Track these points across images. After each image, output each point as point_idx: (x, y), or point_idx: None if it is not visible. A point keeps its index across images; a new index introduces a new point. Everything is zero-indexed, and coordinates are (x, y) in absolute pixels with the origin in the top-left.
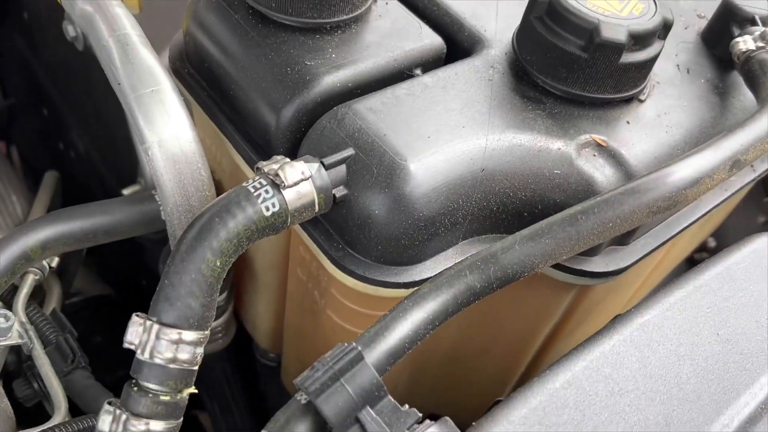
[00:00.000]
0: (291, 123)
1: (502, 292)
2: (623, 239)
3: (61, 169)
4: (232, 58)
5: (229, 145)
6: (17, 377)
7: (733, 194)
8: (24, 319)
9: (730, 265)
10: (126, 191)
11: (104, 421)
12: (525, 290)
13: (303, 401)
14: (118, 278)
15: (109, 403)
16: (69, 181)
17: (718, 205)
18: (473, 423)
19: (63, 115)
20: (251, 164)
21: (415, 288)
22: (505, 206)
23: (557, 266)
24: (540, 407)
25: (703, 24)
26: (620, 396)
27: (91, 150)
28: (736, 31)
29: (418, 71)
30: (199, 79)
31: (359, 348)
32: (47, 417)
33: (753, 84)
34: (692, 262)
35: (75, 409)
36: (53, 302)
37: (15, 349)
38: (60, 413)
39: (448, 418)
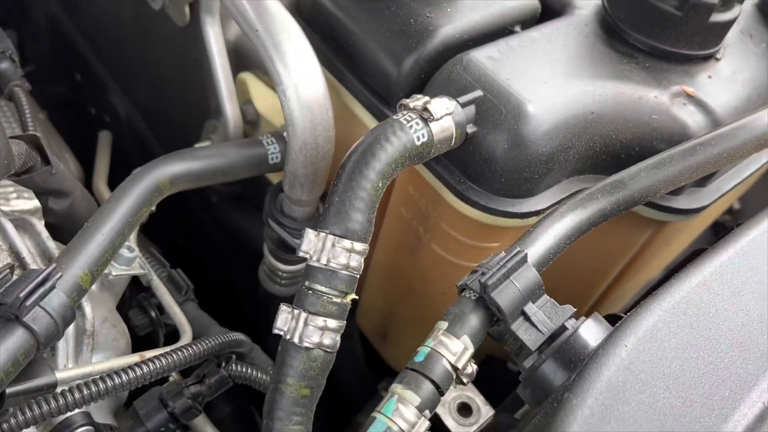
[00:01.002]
0: (413, 70)
1: None
2: (701, 182)
3: (91, 134)
4: (351, 12)
5: (346, 93)
6: (129, 309)
7: None
8: (139, 253)
9: None
10: (198, 146)
11: (283, 319)
12: (609, 224)
13: (473, 297)
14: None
15: (284, 304)
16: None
17: None
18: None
19: (101, 79)
20: (370, 109)
21: (548, 210)
22: (607, 147)
23: (647, 203)
24: (683, 301)
25: None
26: (740, 297)
27: (133, 114)
28: None
29: (518, 28)
30: (312, 32)
31: (525, 251)
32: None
33: None
34: (718, 225)
35: None
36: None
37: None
38: (187, 335)
39: (597, 313)
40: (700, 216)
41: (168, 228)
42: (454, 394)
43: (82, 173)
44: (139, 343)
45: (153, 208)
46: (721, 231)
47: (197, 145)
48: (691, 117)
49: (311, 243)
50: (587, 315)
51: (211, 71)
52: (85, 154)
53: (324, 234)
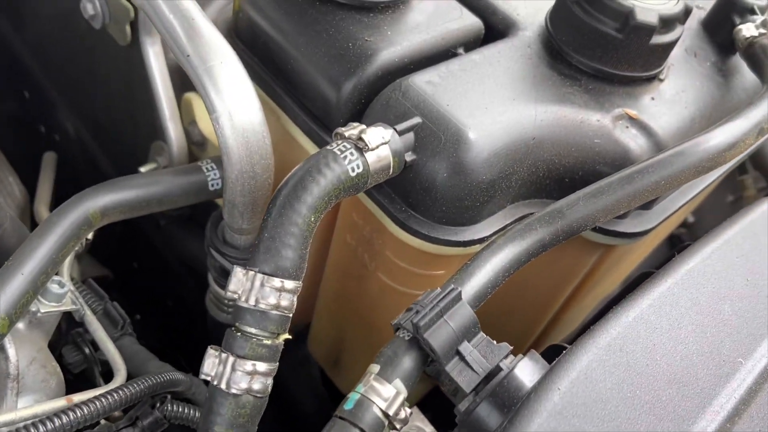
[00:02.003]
0: (352, 95)
1: None
2: (647, 204)
3: (40, 153)
4: (290, 36)
5: (285, 118)
6: (63, 345)
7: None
8: (71, 287)
9: (747, 224)
10: (143, 169)
11: (209, 364)
12: (555, 251)
13: (406, 338)
14: (112, 263)
15: (211, 348)
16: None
17: (719, 176)
18: (564, 352)
19: (49, 97)
20: (310, 135)
21: (488, 241)
22: (550, 172)
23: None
24: (619, 338)
25: (702, 14)
26: (679, 329)
27: (83, 133)
28: (737, 20)
29: (461, 50)
30: (251, 55)
31: (459, 288)
32: (92, 384)
33: (756, 66)
34: (673, 238)
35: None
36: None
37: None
38: (120, 375)
39: (534, 351)
40: (648, 236)
41: (122, 250)
42: (405, 428)
43: (26, 196)
44: (75, 380)
45: (90, 237)
46: (677, 243)
47: (142, 168)
48: (633, 140)
49: (240, 282)
50: (537, 342)
51: (153, 92)
52: (35, 175)
53: (253, 273)
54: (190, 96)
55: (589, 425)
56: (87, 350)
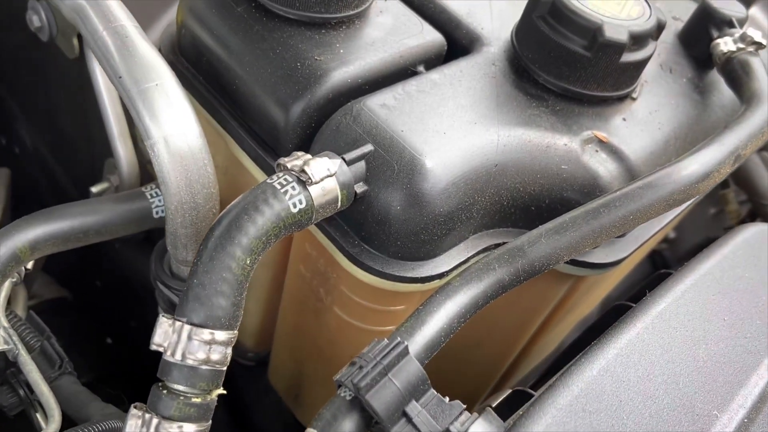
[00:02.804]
0: (301, 119)
1: None
2: None
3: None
4: (234, 53)
5: (232, 142)
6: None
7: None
8: (6, 324)
9: (727, 255)
10: (95, 188)
11: (132, 425)
12: (524, 283)
13: (348, 397)
14: (72, 280)
15: (135, 407)
16: (13, 179)
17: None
18: (519, 411)
19: (7, 108)
20: (257, 161)
21: (442, 281)
22: (514, 200)
23: None
24: (582, 395)
25: (678, 26)
26: (649, 381)
27: (40, 146)
28: (715, 33)
29: (421, 68)
30: (195, 73)
31: (405, 342)
32: (29, 426)
33: (735, 83)
34: (654, 253)
35: (64, 417)
36: (20, 306)
37: None
38: (54, 421)
39: (490, 408)
40: (621, 264)
41: (84, 269)
42: None
43: None
44: (15, 421)
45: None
46: (657, 259)
47: (94, 188)
48: (602, 165)
49: (165, 334)
50: (512, 368)
51: (101, 108)
52: None
53: (180, 323)
54: None
55: None
56: (21, 392)
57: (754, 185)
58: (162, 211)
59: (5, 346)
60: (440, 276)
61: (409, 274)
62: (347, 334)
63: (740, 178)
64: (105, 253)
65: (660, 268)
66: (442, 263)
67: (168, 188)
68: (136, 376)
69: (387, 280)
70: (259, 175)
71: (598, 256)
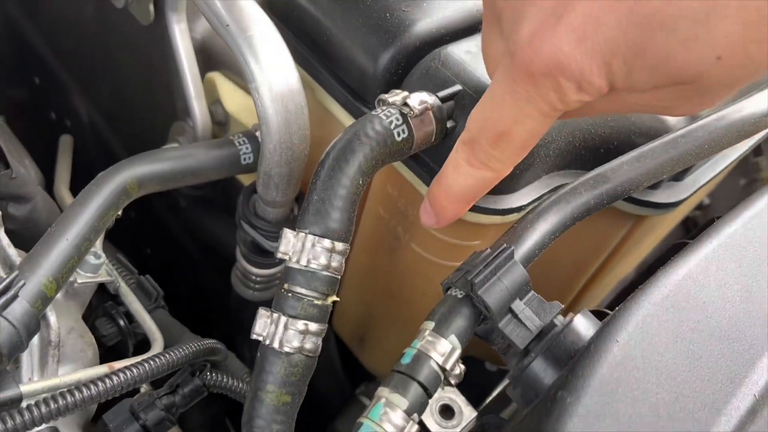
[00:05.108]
0: (390, 65)
1: None
2: (678, 176)
3: (51, 139)
4: (324, 7)
5: (321, 91)
6: (95, 318)
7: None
8: (106, 259)
9: None
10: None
11: (261, 324)
12: (586, 222)
13: (459, 296)
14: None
15: (262, 309)
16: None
17: (745, 151)
18: (617, 308)
19: (61, 82)
20: (347, 106)
21: (520, 214)
22: (586, 142)
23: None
24: (671, 294)
25: None
26: (727, 288)
27: (95, 117)
28: None
29: None
30: (285, 29)
31: (512, 247)
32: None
33: None
34: (688, 220)
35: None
36: None
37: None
38: (158, 344)
39: (587, 309)
40: (676, 209)
41: (134, 235)
42: (435, 396)
43: (42, 180)
44: (106, 353)
45: (120, 212)
46: (691, 226)
47: (165, 147)
48: None
49: (290, 244)
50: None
51: (178, 71)
52: (46, 161)
53: (303, 234)
54: (213, 75)
55: (649, 377)
56: (121, 322)
57: None
58: (248, 158)
59: (108, 278)
60: (518, 209)
61: (492, 206)
62: (421, 270)
63: None
64: (156, 219)
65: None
66: (520, 198)
67: (269, 128)
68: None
69: (471, 212)
70: (346, 119)
71: (660, 197)
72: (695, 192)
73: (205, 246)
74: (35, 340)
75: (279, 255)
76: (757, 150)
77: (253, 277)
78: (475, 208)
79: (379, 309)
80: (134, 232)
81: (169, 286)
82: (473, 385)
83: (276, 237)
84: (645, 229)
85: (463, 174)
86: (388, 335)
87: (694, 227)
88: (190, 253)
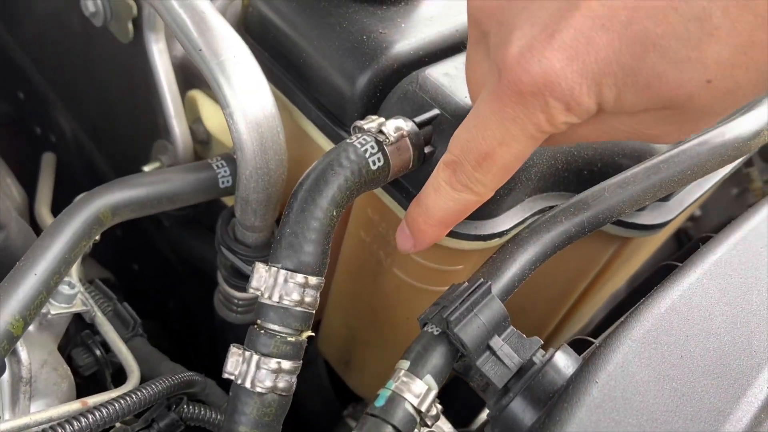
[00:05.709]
0: (367, 88)
1: None
2: (665, 197)
3: (35, 155)
4: (302, 29)
5: (298, 113)
6: (72, 348)
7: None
8: (82, 288)
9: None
10: (147, 168)
11: (233, 363)
12: (573, 245)
13: (435, 332)
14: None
15: (234, 347)
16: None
17: (734, 167)
18: (595, 343)
19: (45, 97)
20: (324, 129)
21: (501, 240)
22: (569, 164)
23: None
24: (653, 329)
25: None
26: (711, 320)
27: (79, 133)
28: None
29: None
30: (261, 49)
31: (489, 282)
32: (102, 387)
33: None
34: (680, 231)
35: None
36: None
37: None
38: (135, 376)
39: (567, 345)
40: (664, 229)
41: (122, 252)
42: None
43: (25, 198)
44: (84, 383)
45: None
46: (683, 238)
47: (146, 167)
48: None
49: (262, 279)
50: (553, 334)
51: (157, 90)
52: (31, 177)
53: (276, 269)
54: (195, 94)
55: (629, 418)
56: (98, 352)
57: None
58: (226, 182)
59: (83, 308)
60: (500, 234)
61: (473, 232)
62: (404, 295)
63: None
64: (144, 236)
65: (685, 245)
66: (502, 222)
67: (244, 154)
68: (174, 357)
69: (451, 238)
70: (324, 143)
71: (645, 218)
72: (682, 212)
73: (190, 266)
74: (6, 376)
75: (251, 290)
76: (748, 161)
77: (236, 301)
78: (458, 235)
79: (363, 333)
80: (122, 249)
81: (156, 301)
82: (460, 404)
83: (265, 259)
84: (632, 248)
85: (443, 196)
86: (373, 358)
87: (686, 238)
88: (176, 271)
